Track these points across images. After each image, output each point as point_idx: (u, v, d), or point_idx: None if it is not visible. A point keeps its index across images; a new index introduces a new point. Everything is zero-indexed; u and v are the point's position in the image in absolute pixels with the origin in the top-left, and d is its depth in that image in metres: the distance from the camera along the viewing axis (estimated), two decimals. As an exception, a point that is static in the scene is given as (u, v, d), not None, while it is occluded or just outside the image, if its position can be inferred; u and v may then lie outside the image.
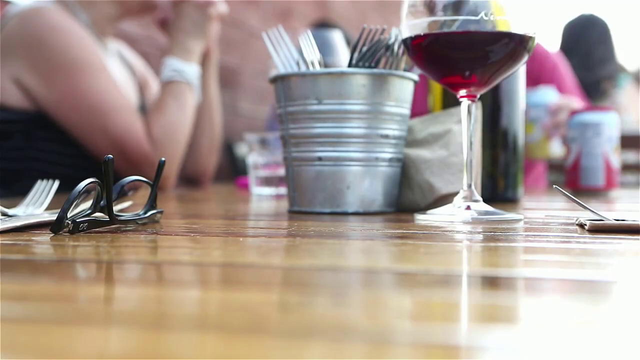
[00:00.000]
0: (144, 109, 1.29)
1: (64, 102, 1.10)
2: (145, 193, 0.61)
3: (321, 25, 1.95)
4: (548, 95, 1.40)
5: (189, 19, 1.22)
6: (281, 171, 1.00)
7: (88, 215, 0.44)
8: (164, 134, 1.16)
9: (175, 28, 1.22)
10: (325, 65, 0.67)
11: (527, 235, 0.46)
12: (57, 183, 0.59)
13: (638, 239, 0.42)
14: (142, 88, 1.36)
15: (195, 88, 1.22)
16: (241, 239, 0.43)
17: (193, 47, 1.22)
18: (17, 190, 1.06)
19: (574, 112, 1.07)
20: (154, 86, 1.37)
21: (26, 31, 1.10)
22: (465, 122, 0.58)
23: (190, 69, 1.20)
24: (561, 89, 1.63)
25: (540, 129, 1.36)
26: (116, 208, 0.55)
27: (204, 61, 1.32)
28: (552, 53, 1.67)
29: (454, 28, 0.54)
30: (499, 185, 0.85)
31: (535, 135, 1.40)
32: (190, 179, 1.42)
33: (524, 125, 1.32)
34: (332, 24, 2.09)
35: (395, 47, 0.64)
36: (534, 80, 1.61)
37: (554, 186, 0.52)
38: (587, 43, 2.41)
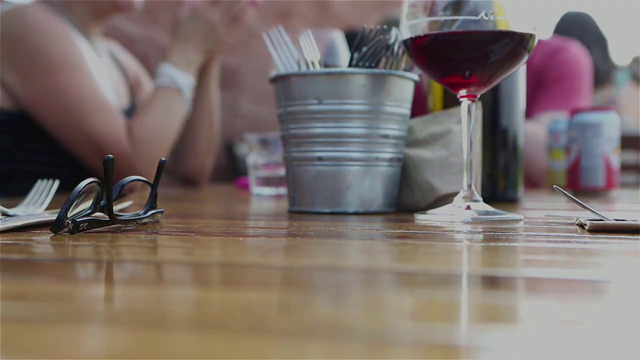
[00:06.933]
0: (135, 110, 1.27)
1: (42, 101, 1.10)
2: (145, 193, 0.61)
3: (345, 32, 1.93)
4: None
5: (196, 29, 1.18)
6: (281, 171, 1.00)
7: (88, 215, 0.44)
8: (146, 135, 1.13)
9: (179, 34, 1.19)
10: (326, 65, 0.67)
11: (527, 235, 0.46)
12: (57, 183, 0.59)
13: (638, 239, 0.42)
14: (134, 88, 1.34)
15: (186, 98, 1.19)
16: (241, 239, 0.43)
17: (193, 58, 1.19)
18: (7, 192, 1.06)
19: (574, 112, 1.07)
20: (147, 87, 1.36)
21: (6, 31, 1.10)
22: (465, 122, 0.58)
23: (185, 79, 1.18)
24: (574, 99, 1.60)
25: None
26: (116, 208, 0.55)
27: (207, 64, 1.29)
28: (578, 62, 1.63)
29: (454, 28, 0.54)
30: (499, 185, 0.85)
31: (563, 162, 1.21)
32: (187, 179, 1.41)
33: (550, 151, 1.28)
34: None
35: (395, 47, 0.64)
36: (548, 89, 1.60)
37: (554, 186, 0.52)
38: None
